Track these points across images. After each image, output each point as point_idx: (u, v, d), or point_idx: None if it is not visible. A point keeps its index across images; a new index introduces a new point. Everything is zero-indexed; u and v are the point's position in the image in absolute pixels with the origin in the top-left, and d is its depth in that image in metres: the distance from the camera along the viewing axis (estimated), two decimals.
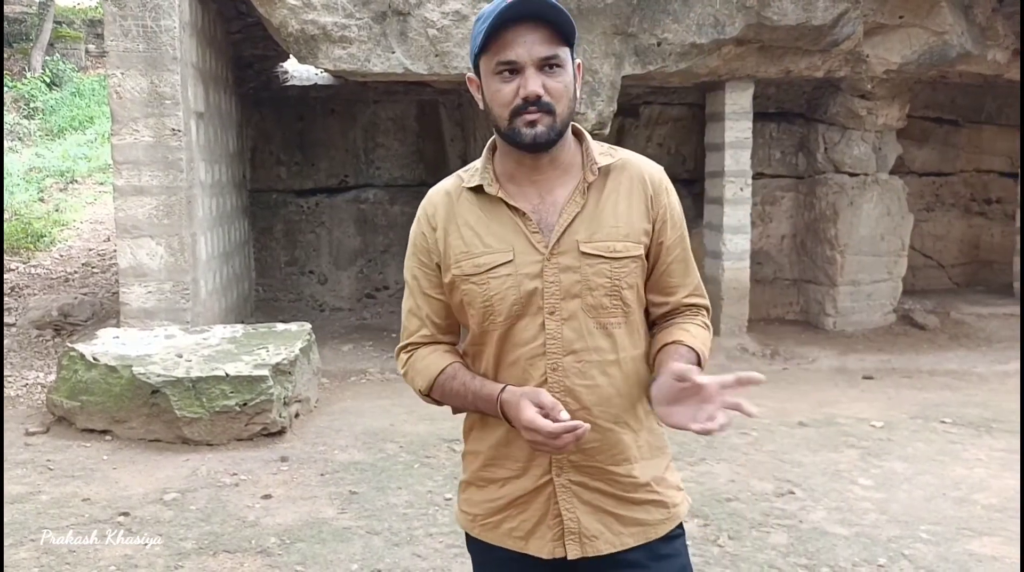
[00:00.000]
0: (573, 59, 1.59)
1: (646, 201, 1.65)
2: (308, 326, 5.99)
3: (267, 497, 4.19)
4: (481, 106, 1.62)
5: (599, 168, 1.63)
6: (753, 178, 8.04)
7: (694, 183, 8.86)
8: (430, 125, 9.04)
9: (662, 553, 1.65)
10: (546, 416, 1.48)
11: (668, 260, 1.69)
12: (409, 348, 1.72)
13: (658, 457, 1.70)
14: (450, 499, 4.17)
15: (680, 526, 1.72)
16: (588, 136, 1.68)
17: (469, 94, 8.38)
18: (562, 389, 1.58)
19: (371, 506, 4.08)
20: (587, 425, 1.48)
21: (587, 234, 1.59)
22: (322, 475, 4.51)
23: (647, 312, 1.72)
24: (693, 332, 1.68)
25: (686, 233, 1.74)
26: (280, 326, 6.04)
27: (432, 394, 1.68)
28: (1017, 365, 7.32)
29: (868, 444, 5.11)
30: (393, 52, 6.27)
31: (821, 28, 6.89)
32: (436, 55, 6.28)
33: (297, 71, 8.99)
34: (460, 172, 1.69)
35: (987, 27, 7.53)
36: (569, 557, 1.62)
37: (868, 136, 8.34)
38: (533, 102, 1.52)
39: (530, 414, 1.48)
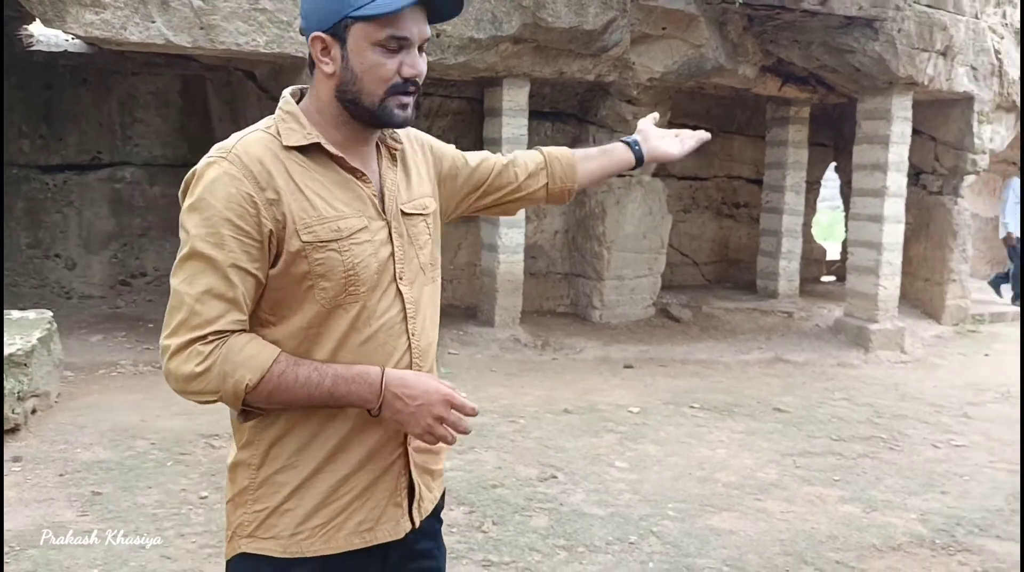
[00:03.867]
0: None
1: (426, 156, 1.73)
2: (49, 314, 5.45)
3: None
4: (329, 71, 1.47)
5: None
6: None
7: None
8: (196, 102, 8.51)
9: (440, 539, 1.72)
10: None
11: (472, 164, 1.81)
12: (211, 338, 1.38)
13: None
14: (205, 497, 3.94)
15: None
16: None
17: (239, 71, 8.05)
18: (419, 352, 1.56)
19: (116, 507, 3.78)
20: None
21: (406, 197, 1.61)
22: (61, 475, 4.13)
23: (508, 196, 1.86)
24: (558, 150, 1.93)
25: None
26: (16, 313, 5.45)
27: (259, 389, 1.39)
28: (758, 355, 8.02)
29: (625, 429, 5.39)
30: (153, 21, 5.83)
31: (592, 33, 7.19)
32: (201, 28, 5.91)
33: (45, 35, 8.15)
34: (262, 128, 1.49)
35: (739, 44, 8.18)
36: (418, 524, 1.59)
37: None
38: (414, 82, 1.48)
39: (450, 389, 1.47)
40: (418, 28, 1.46)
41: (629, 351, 7.84)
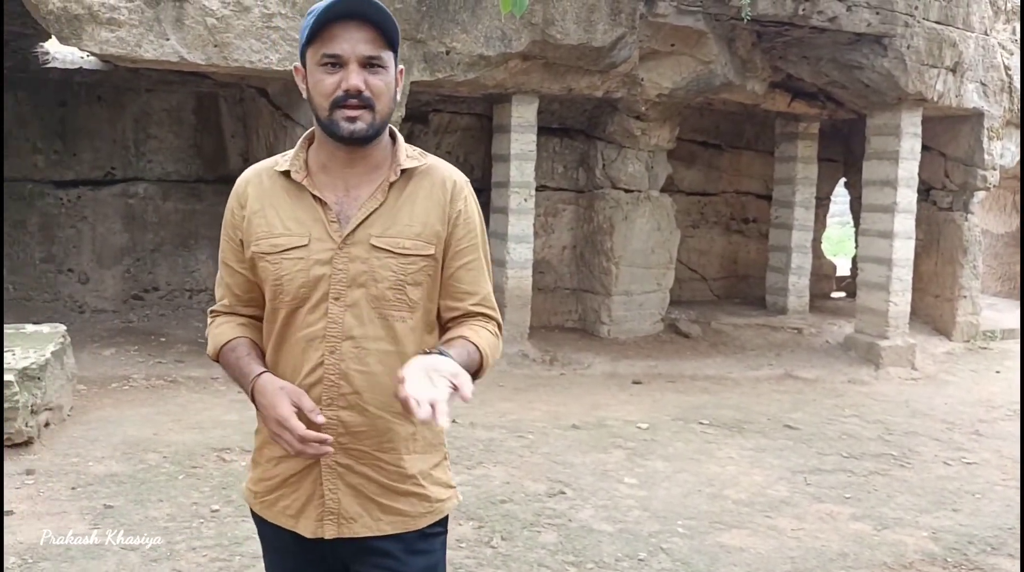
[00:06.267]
0: (396, 65, 1.67)
1: (443, 205, 1.72)
2: (62, 328, 5.50)
3: (8, 514, 3.79)
4: (304, 96, 1.69)
5: (402, 170, 1.70)
6: (537, 190, 8.30)
7: (481, 193, 9.00)
8: (209, 119, 8.58)
9: (417, 548, 1.72)
10: (302, 418, 1.56)
11: (457, 265, 1.73)
12: (214, 313, 1.81)
13: (431, 453, 1.76)
14: (217, 511, 3.95)
15: (442, 524, 1.77)
16: (401, 139, 1.75)
17: (252, 88, 8.13)
18: (337, 372, 1.65)
19: (127, 520, 3.80)
20: (330, 449, 1.57)
21: (381, 229, 1.67)
22: (73, 488, 4.15)
23: (440, 317, 1.77)
24: (481, 334, 1.71)
25: (483, 243, 1.77)
26: (30, 327, 5.50)
27: (219, 361, 1.76)
28: (768, 371, 8.01)
29: (634, 445, 5.39)
30: (167, 39, 5.90)
31: (600, 50, 7.23)
32: (215, 45, 5.98)
33: (60, 52, 8.25)
34: (278, 156, 1.76)
35: (747, 60, 8.21)
36: (326, 536, 1.69)
37: (642, 155, 8.84)
38: (354, 95, 1.60)
39: (286, 411, 1.56)
40: (351, 47, 1.59)
41: (637, 366, 7.84)
